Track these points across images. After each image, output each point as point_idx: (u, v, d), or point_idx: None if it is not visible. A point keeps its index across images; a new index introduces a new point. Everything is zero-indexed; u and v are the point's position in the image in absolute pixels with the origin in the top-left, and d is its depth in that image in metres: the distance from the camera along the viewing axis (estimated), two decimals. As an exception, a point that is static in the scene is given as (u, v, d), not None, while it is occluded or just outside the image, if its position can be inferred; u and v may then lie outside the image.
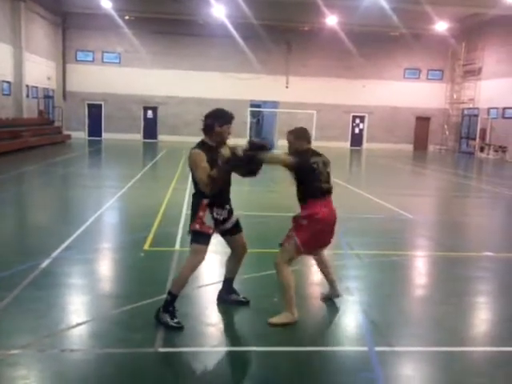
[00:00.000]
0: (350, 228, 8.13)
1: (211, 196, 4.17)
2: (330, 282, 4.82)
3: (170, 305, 4.20)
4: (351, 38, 28.54)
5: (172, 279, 4.34)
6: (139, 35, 28.73)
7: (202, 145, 4.26)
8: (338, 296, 4.85)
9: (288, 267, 4.39)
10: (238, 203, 11.84)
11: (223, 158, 4.00)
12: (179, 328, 4.13)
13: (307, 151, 4.42)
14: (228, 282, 4.74)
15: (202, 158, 4.13)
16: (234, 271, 4.72)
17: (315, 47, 29.88)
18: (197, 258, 4.24)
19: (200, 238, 4.21)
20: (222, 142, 4.27)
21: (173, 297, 4.21)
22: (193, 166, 4.17)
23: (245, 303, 4.73)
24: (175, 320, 4.16)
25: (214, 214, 4.25)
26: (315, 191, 4.34)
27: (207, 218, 4.20)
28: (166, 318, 4.16)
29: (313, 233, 4.31)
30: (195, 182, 4.25)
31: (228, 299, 4.73)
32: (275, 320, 4.29)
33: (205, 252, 4.27)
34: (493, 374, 3.78)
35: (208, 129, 4.24)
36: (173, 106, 29.85)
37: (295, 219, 4.43)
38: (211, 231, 4.24)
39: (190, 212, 4.34)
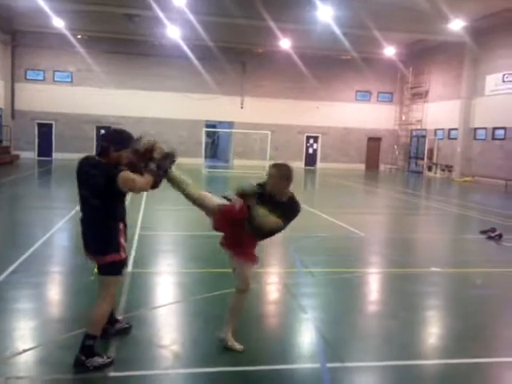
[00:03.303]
0: (304, 246, 8.25)
1: (120, 219, 3.86)
2: None
3: (93, 348, 3.75)
4: (304, 61, 29.26)
5: (88, 321, 3.86)
6: (92, 54, 28.41)
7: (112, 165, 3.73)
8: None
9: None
10: (184, 223, 11.59)
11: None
12: (112, 362, 3.82)
13: (293, 200, 4.04)
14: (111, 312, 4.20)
15: (130, 173, 3.71)
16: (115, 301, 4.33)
17: (270, 69, 30.46)
18: (114, 291, 3.95)
19: (120, 268, 3.88)
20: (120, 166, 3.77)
21: (95, 339, 3.77)
22: (129, 183, 3.66)
23: (129, 328, 4.43)
24: (105, 357, 3.82)
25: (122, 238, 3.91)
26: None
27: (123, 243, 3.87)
28: (97, 360, 3.73)
29: None
30: (108, 204, 3.75)
31: (112, 330, 4.30)
32: None
33: (119, 281, 4.04)
34: (440, 386, 3.90)
35: (103, 152, 3.76)
36: (127, 126, 29.11)
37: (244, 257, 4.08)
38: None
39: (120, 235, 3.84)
